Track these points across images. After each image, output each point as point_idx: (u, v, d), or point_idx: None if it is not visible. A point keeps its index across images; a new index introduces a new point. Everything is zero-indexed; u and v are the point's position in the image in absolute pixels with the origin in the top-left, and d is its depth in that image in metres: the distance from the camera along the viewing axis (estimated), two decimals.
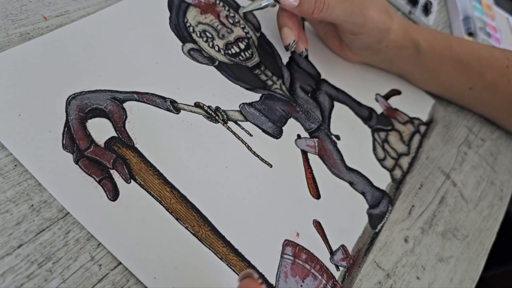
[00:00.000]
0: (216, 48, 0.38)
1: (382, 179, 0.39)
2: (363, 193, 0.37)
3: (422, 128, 0.47)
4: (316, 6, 0.36)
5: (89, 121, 0.29)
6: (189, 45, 0.37)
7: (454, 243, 0.40)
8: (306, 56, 0.44)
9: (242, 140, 0.34)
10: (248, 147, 0.34)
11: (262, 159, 0.34)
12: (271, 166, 0.34)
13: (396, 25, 0.41)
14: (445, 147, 0.47)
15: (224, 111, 0.35)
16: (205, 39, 0.38)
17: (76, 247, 0.25)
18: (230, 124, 0.34)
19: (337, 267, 0.32)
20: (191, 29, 0.38)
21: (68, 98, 0.29)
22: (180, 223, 0.28)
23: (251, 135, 0.35)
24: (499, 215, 0.45)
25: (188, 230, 0.28)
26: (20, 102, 0.28)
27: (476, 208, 0.44)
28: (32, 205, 0.26)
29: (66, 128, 0.28)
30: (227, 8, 0.41)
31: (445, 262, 0.38)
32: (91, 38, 0.33)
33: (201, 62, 0.36)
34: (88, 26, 0.33)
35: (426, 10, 0.59)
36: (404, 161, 0.42)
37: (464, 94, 0.48)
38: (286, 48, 0.38)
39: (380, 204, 0.38)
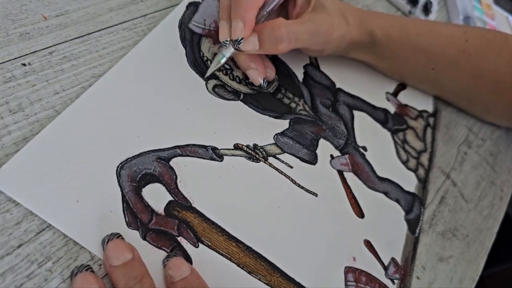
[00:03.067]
0: (237, 79, 0.37)
1: (409, 182, 0.41)
2: (397, 201, 0.39)
3: (431, 120, 0.48)
4: (278, 40, 0.33)
5: (143, 189, 0.28)
6: (213, 82, 0.36)
7: (454, 243, 0.41)
8: (318, 68, 0.44)
9: (285, 175, 0.34)
10: (292, 180, 0.34)
11: (307, 190, 0.35)
12: (316, 195, 0.35)
13: (351, 24, 0.39)
14: (445, 147, 0.48)
15: (262, 147, 0.35)
16: (224, 71, 0.37)
17: (76, 247, 0.26)
18: (271, 159, 0.35)
19: (392, 281, 0.34)
20: (209, 63, 0.37)
21: (117, 169, 0.28)
22: (253, 276, 0.29)
23: (291, 167, 0.35)
24: (499, 215, 0.46)
25: (261, 281, 0.29)
26: (73, 187, 0.27)
27: (476, 208, 0.45)
28: None
29: (124, 204, 0.27)
30: None
31: (445, 262, 0.39)
32: (119, 95, 0.31)
33: (227, 99, 0.36)
34: (112, 82, 0.32)
35: (426, 10, 0.59)
36: (424, 158, 0.44)
37: (427, 75, 0.47)
38: (259, 87, 0.37)
39: (413, 208, 0.40)
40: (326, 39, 0.37)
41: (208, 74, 0.35)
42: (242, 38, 0.32)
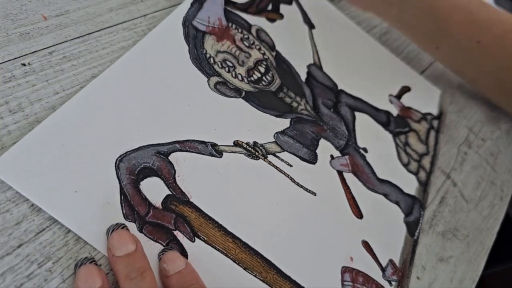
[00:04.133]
0: (239, 77, 0.38)
1: (410, 185, 0.41)
2: (397, 203, 0.39)
3: (435, 123, 0.48)
4: None
5: (141, 183, 0.29)
6: (214, 79, 0.36)
7: (454, 243, 0.41)
8: (321, 68, 0.44)
9: (284, 173, 0.34)
10: (291, 179, 0.34)
11: (306, 189, 0.34)
12: (315, 194, 0.35)
13: None
14: (445, 147, 0.48)
15: (262, 145, 0.35)
16: (227, 69, 0.37)
17: (76, 247, 0.26)
18: (270, 157, 0.35)
19: (389, 282, 0.34)
20: (211, 60, 0.37)
21: (116, 162, 0.29)
22: (248, 272, 0.29)
23: (290, 165, 0.35)
24: (500, 215, 0.46)
25: (257, 278, 0.29)
26: (72, 178, 0.27)
27: (476, 208, 0.45)
28: (32, 205, 0.26)
29: (122, 196, 0.28)
30: (240, 30, 0.40)
31: (445, 262, 0.39)
32: (120, 89, 0.32)
33: (229, 96, 0.36)
34: (114, 76, 0.32)
35: None
36: (426, 161, 0.44)
37: (472, 48, 0.47)
38: None
39: (413, 210, 0.39)
40: None
41: None
42: None
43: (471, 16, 0.45)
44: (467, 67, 0.50)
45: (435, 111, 0.49)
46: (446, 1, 0.44)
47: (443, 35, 0.47)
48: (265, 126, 0.36)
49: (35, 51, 0.31)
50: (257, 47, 0.41)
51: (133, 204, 0.28)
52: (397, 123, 0.45)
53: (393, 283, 0.34)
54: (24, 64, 0.30)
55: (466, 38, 0.46)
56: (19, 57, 0.31)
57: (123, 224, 0.26)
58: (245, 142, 0.34)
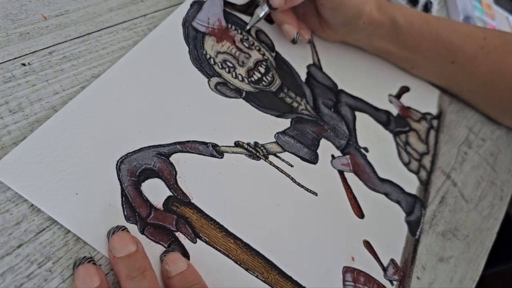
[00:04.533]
0: (240, 77, 0.38)
1: (411, 184, 0.41)
2: (398, 202, 0.39)
3: (435, 123, 0.48)
4: None
5: (142, 184, 0.29)
6: (215, 80, 0.36)
7: (454, 243, 0.40)
8: (321, 69, 0.44)
9: (285, 173, 0.34)
10: (292, 179, 0.34)
11: (307, 189, 0.34)
12: (316, 194, 0.35)
13: (372, 4, 0.41)
14: (445, 147, 0.47)
15: (262, 145, 0.35)
16: (227, 69, 0.37)
17: (76, 247, 0.26)
18: (271, 158, 0.34)
19: (391, 282, 0.34)
20: (211, 61, 0.37)
21: (117, 164, 0.28)
22: (250, 273, 0.29)
23: (291, 165, 0.35)
24: (500, 215, 0.46)
25: (259, 278, 0.29)
26: (73, 180, 0.27)
27: (476, 208, 0.45)
28: (32, 205, 0.26)
29: (123, 198, 0.27)
30: (239, 31, 0.40)
31: (445, 262, 0.39)
32: (120, 90, 0.32)
33: (229, 96, 0.36)
34: (114, 77, 0.32)
35: (426, 10, 0.59)
36: (426, 161, 0.44)
37: (447, 69, 0.48)
38: (293, 41, 0.40)
39: (414, 209, 0.39)
40: None
41: (249, 26, 0.40)
42: None
43: (441, 40, 0.45)
44: (447, 84, 0.51)
45: (434, 111, 0.49)
46: (414, 31, 0.44)
47: (415, 59, 0.48)
48: (265, 127, 0.36)
49: (35, 51, 0.31)
50: (257, 48, 0.40)
51: (134, 205, 0.28)
52: (397, 123, 0.45)
53: (395, 282, 0.34)
54: (24, 64, 0.30)
55: (440, 59, 0.47)
56: (19, 57, 0.30)
57: (124, 226, 0.26)
58: (246, 142, 0.34)
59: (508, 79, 0.46)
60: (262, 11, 0.38)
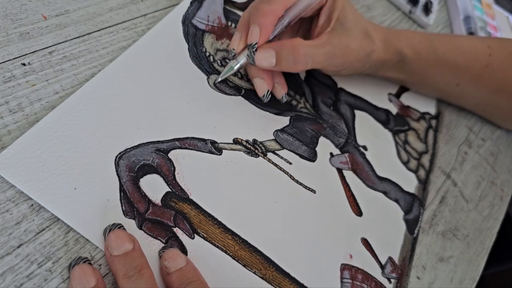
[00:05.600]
0: (239, 75, 0.38)
1: (409, 183, 0.41)
2: (396, 201, 0.39)
3: (433, 122, 0.48)
4: (295, 61, 0.33)
5: (141, 180, 0.29)
6: (214, 77, 0.36)
7: (454, 243, 0.41)
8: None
9: (284, 171, 0.34)
10: (290, 176, 0.34)
11: (305, 187, 0.35)
12: (314, 192, 0.35)
13: (377, 43, 0.39)
14: (445, 147, 0.47)
15: (261, 142, 0.35)
16: None
17: (76, 247, 0.26)
18: (270, 155, 0.35)
19: (389, 280, 0.34)
20: (211, 58, 0.37)
21: (115, 159, 0.29)
22: (248, 269, 0.29)
23: (290, 163, 0.35)
24: (500, 215, 0.46)
25: (256, 275, 0.29)
26: (72, 174, 0.27)
27: (477, 208, 0.45)
28: (32, 205, 0.26)
29: (122, 193, 0.28)
30: None
31: (445, 262, 0.39)
32: (120, 86, 0.32)
33: (228, 94, 0.36)
34: (114, 73, 0.32)
35: (427, 9, 0.59)
36: (425, 160, 0.44)
37: (451, 91, 0.48)
38: (262, 97, 0.36)
39: (412, 208, 0.39)
40: (342, 61, 0.37)
41: (220, 79, 0.35)
42: (256, 43, 0.33)
43: (448, 65, 0.45)
44: (450, 101, 0.51)
45: (432, 111, 0.49)
46: (421, 61, 0.43)
47: (420, 82, 0.47)
48: (264, 124, 0.36)
49: (35, 51, 0.31)
50: None
51: (132, 201, 0.28)
52: (396, 122, 0.45)
53: (392, 280, 0.34)
54: (24, 64, 0.30)
55: (445, 82, 0.47)
56: (19, 57, 0.31)
57: (120, 224, 0.26)
58: (244, 139, 0.34)
59: (510, 94, 0.47)
60: (237, 63, 0.34)
